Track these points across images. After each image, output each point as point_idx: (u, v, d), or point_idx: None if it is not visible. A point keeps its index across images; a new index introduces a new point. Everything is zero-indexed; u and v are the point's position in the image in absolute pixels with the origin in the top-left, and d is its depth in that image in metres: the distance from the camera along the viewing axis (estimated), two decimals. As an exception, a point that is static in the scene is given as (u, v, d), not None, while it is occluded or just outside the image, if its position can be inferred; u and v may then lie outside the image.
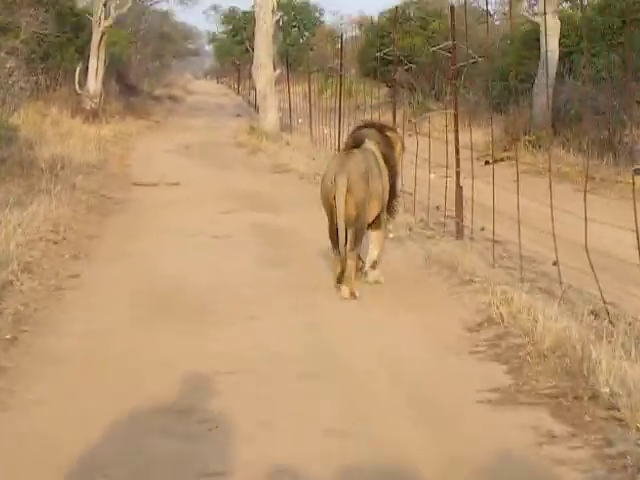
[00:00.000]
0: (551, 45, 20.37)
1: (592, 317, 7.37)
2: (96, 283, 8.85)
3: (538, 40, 21.69)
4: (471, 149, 11.15)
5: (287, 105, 27.52)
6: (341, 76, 19.14)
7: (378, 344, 7.18)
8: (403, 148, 9.54)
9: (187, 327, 7.45)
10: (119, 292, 8.54)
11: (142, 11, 41.46)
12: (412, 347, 7.14)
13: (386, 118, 16.59)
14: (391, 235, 11.16)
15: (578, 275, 8.30)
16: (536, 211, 9.94)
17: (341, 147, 9.97)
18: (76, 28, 30.22)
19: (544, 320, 7.05)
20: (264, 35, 23.67)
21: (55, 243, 10.25)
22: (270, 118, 24.01)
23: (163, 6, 63.00)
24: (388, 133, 9.33)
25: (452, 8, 11.58)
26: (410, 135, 13.84)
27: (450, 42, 11.19)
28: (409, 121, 13.35)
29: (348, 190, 8.29)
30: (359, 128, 9.37)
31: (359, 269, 8.97)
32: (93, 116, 25.79)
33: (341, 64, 19.07)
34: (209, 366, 6.50)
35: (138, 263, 9.67)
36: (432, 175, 11.90)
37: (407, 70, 32.33)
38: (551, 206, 8.54)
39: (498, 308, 7.64)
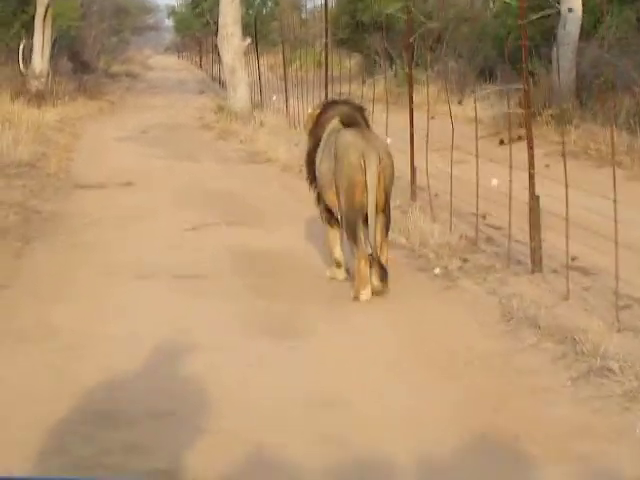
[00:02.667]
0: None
1: None
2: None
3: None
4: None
5: (256, 79, 23.38)
6: (327, 44, 15.17)
7: None
8: None
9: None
10: (23, 417, 4.67)
11: (94, -18, 37.20)
12: None
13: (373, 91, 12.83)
14: (436, 270, 7.34)
15: None
16: (595, 211, 7.34)
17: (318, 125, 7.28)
18: (21, 1, 26.19)
19: None
20: (231, 1, 19.58)
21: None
22: (240, 95, 19.90)
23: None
24: (365, 113, 7.35)
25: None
26: (433, 117, 9.95)
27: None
28: (459, 102, 9.50)
29: (380, 172, 6.69)
30: (334, 103, 7.56)
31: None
32: (38, 98, 21.69)
33: (327, 29, 15.11)
34: None
35: (60, 347, 5.73)
36: (495, 181, 8.09)
37: (384, 37, 28.78)
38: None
39: None
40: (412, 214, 9.09)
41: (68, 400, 4.85)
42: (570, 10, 15.87)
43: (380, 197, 6.65)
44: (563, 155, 7.01)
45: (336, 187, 6.79)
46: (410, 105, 10.22)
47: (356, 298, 6.64)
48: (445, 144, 9.79)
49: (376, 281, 6.67)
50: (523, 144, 14.01)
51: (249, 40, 20.63)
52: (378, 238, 6.63)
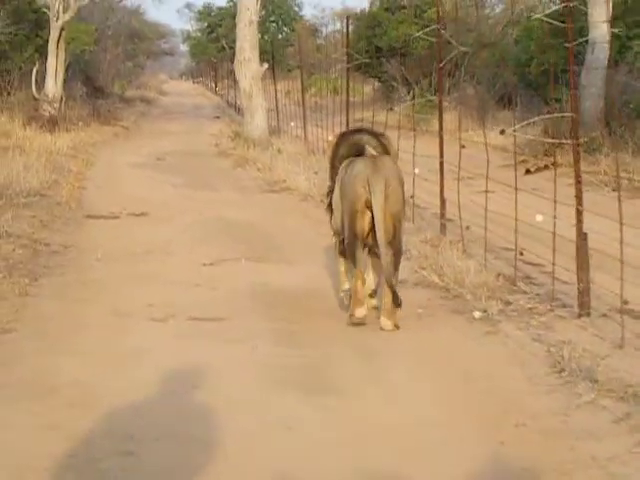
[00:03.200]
0: (602, 16, 15.47)
1: None
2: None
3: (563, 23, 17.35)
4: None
5: (273, 105, 22.85)
6: (348, 69, 14.66)
7: None
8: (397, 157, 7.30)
9: None
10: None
11: (110, 7, 36.78)
12: None
13: (399, 118, 12.31)
14: (476, 314, 6.76)
15: None
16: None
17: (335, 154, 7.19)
18: (36, 25, 25.81)
19: None
20: (248, 25, 19.11)
21: None
22: (258, 121, 19.37)
23: (133, 3, 58.02)
24: (383, 140, 7.06)
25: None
26: (464, 147, 9.40)
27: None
28: (500, 132, 8.99)
29: (386, 198, 6.38)
30: (352, 133, 7.38)
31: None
32: (51, 123, 21.25)
33: (347, 54, 14.58)
34: None
35: (65, 403, 5.13)
36: (540, 217, 7.56)
37: (401, 63, 28.33)
38: None
39: None
40: (443, 249, 8.53)
41: (73, 469, 4.27)
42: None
43: (387, 224, 6.41)
44: (617, 189, 6.46)
45: (342, 214, 6.73)
46: (440, 133, 9.68)
47: (352, 316, 6.62)
48: (470, 173, 9.27)
49: (387, 315, 6.50)
50: (550, 173, 13.41)
51: (266, 65, 20.14)
52: (386, 273, 6.40)
